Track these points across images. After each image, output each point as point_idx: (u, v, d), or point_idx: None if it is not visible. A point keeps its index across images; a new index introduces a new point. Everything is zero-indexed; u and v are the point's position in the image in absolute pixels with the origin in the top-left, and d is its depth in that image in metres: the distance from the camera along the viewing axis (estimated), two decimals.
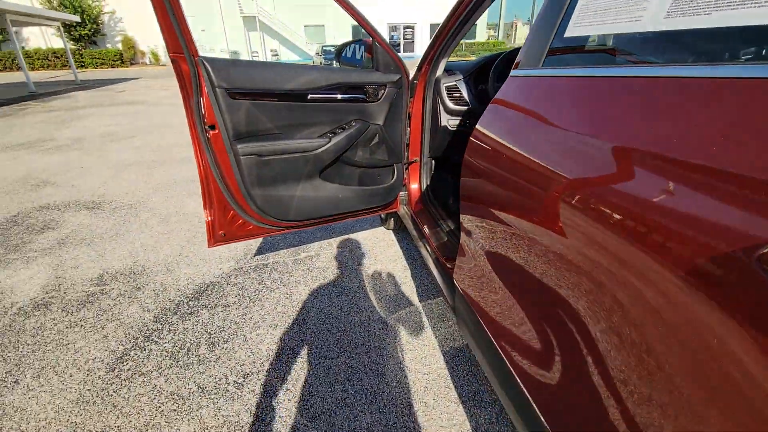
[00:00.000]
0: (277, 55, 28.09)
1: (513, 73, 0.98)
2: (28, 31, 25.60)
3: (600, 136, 0.67)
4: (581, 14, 0.78)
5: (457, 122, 1.98)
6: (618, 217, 0.59)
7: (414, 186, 2.21)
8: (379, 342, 1.76)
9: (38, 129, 6.55)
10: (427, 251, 1.81)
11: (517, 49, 1.86)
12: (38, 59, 23.42)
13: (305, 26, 29.22)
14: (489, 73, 1.80)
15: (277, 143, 1.61)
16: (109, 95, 11.27)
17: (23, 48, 24.00)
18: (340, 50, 2.02)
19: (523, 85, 0.93)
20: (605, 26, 0.73)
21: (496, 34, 37.56)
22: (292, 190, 1.73)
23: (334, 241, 2.68)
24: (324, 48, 20.63)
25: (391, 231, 2.82)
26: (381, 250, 2.56)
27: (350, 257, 2.47)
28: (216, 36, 26.48)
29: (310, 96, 1.64)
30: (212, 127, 1.50)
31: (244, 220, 1.75)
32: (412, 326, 1.86)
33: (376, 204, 2.00)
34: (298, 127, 1.67)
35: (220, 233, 1.74)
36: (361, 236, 2.76)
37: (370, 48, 1.81)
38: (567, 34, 0.82)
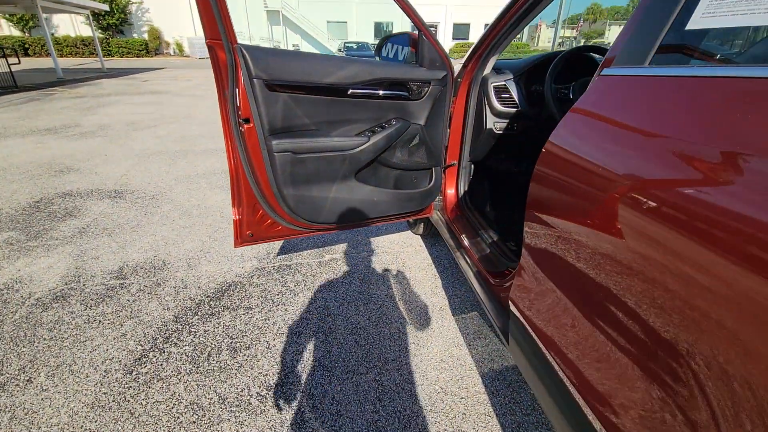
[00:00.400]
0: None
1: (605, 71, 0.84)
2: (58, 19, 26.16)
3: (744, 154, 0.53)
4: (715, 0, 0.64)
5: (504, 125, 1.84)
6: None
7: (450, 191, 2.07)
8: (411, 358, 1.64)
9: (64, 115, 6.60)
10: (467, 263, 1.68)
11: (578, 49, 1.72)
12: (67, 46, 23.89)
13: (328, 22, 29.22)
14: (545, 74, 1.66)
15: (313, 140, 1.50)
16: (134, 84, 11.38)
17: (53, 35, 24.54)
18: (380, 44, 1.90)
19: (620, 87, 0.79)
20: (755, 17, 0.59)
21: (520, 35, 36.97)
22: (326, 191, 1.62)
23: (360, 244, 2.57)
24: (346, 44, 20.57)
25: (419, 236, 2.69)
26: (409, 256, 2.44)
27: (377, 262, 2.36)
28: (239, 28, 26.66)
29: (350, 91, 1.52)
30: (247, 121, 1.40)
31: (274, 220, 1.65)
32: (447, 342, 1.73)
33: (411, 209, 1.88)
34: (336, 123, 1.56)
35: (247, 233, 1.64)
36: (388, 240, 2.64)
37: (414, 42, 1.69)
38: (691, 26, 0.68)
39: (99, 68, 15.84)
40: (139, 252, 2.40)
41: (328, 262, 2.35)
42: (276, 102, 1.40)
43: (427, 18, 29.19)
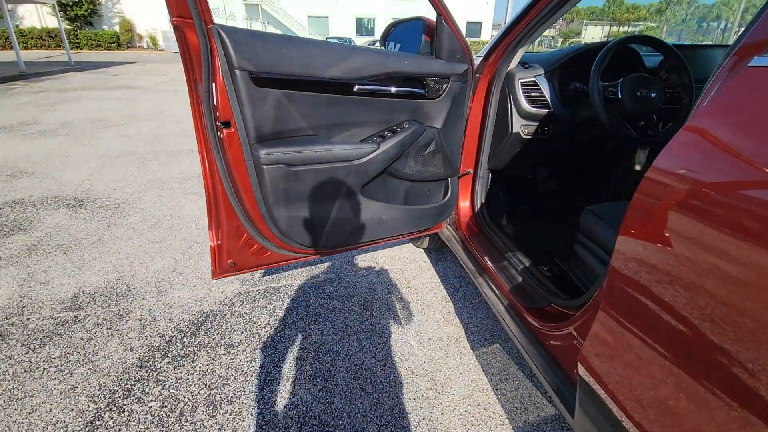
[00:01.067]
0: None
1: (756, 61, 0.58)
2: (23, 10, 24.73)
3: None
4: None
5: (534, 129, 1.57)
6: None
7: (464, 204, 1.81)
8: (431, 409, 1.37)
9: (23, 111, 6.05)
10: (495, 294, 1.41)
11: (625, 40, 1.47)
12: (32, 38, 22.57)
13: (309, 17, 28.61)
14: (582, 69, 1.41)
15: (311, 149, 1.20)
16: (103, 78, 10.71)
17: (17, 27, 23.15)
18: (387, 32, 1.61)
19: None
20: None
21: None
22: (325, 210, 1.33)
23: (357, 261, 2.28)
24: (328, 40, 20.12)
25: (422, 250, 2.42)
26: (413, 275, 2.16)
27: (378, 283, 2.07)
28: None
29: (356, 87, 1.23)
30: (227, 125, 1.09)
31: (261, 245, 1.35)
32: (469, 387, 1.46)
33: (424, 227, 1.61)
34: (338, 127, 1.27)
35: (228, 262, 1.33)
36: (388, 255, 2.35)
37: (430, 29, 1.41)
38: None
39: (65, 61, 14.92)
40: (99, 274, 2.05)
41: (323, 283, 2.05)
42: (265, 100, 1.09)
43: (398, 11, 28.79)
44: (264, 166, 1.14)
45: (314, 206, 1.29)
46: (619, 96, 1.32)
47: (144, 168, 3.68)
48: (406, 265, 2.25)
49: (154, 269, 2.11)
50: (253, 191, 1.20)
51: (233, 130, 1.10)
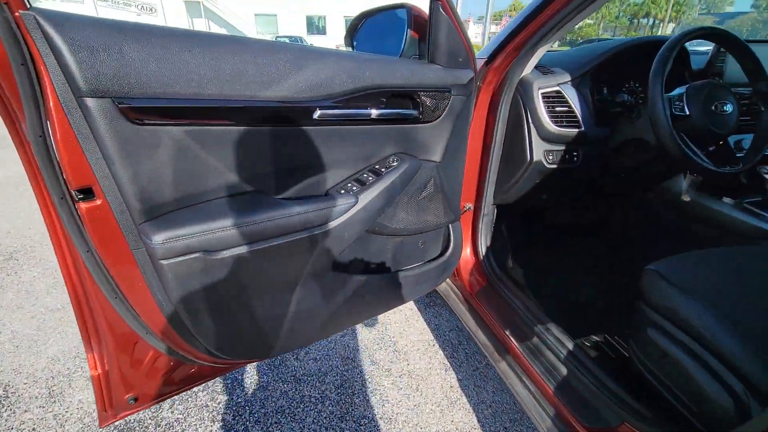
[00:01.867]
0: None
1: None
2: None
3: None
4: None
5: (560, 155, 1.18)
6: None
7: (464, 249, 1.40)
8: None
9: None
10: (530, 392, 1.01)
11: (688, 35, 1.08)
12: None
13: (256, 15, 27.35)
14: (625, 74, 1.03)
15: (248, 219, 0.73)
16: None
17: None
18: (355, 25, 1.16)
19: None
20: None
21: None
22: (278, 306, 0.86)
23: None
24: (278, 39, 19.23)
25: None
26: (399, 331, 1.73)
27: (358, 348, 1.62)
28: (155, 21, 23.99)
29: (318, 113, 0.77)
30: (86, 194, 0.60)
31: (180, 361, 0.86)
32: None
33: (420, 293, 1.18)
34: (292, 175, 0.81)
35: (126, 398, 0.83)
36: None
37: (419, 22, 0.98)
38: None
39: None
40: None
41: (284, 357, 1.57)
42: (154, 147, 0.61)
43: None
44: (164, 263, 0.65)
45: (261, 305, 0.82)
46: (686, 111, 0.96)
47: None
48: (390, 317, 1.82)
49: (49, 356, 1.54)
50: (152, 293, 0.71)
51: (99, 201, 0.61)
